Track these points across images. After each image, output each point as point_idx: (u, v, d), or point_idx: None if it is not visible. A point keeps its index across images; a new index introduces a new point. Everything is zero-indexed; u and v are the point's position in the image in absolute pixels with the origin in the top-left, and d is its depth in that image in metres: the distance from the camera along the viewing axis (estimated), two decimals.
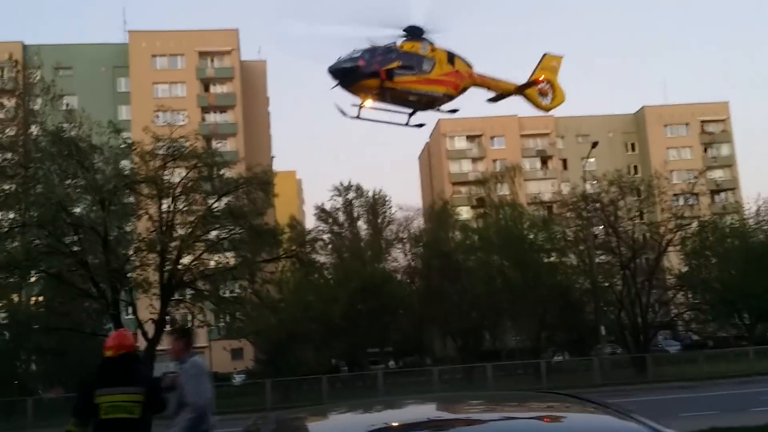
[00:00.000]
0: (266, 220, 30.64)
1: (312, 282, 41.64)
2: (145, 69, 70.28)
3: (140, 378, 6.64)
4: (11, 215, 22.60)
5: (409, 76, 20.45)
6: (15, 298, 30.58)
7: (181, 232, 22.37)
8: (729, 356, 37.59)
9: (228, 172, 67.94)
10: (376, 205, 70.35)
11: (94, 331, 25.59)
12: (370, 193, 70.41)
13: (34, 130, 33.34)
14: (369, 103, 20.56)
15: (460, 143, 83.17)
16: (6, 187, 22.68)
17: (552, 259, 39.55)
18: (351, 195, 71.21)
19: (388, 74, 19.89)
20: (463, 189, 78.19)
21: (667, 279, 39.24)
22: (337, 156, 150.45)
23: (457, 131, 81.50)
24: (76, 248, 21.73)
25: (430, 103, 21.65)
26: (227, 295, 26.37)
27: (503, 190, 64.06)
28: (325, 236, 70.32)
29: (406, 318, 50.76)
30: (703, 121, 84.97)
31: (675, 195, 41.33)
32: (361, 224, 70.93)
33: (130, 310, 25.67)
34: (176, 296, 24.00)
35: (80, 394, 6.71)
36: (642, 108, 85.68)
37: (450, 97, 22.01)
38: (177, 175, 23.36)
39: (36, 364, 40.19)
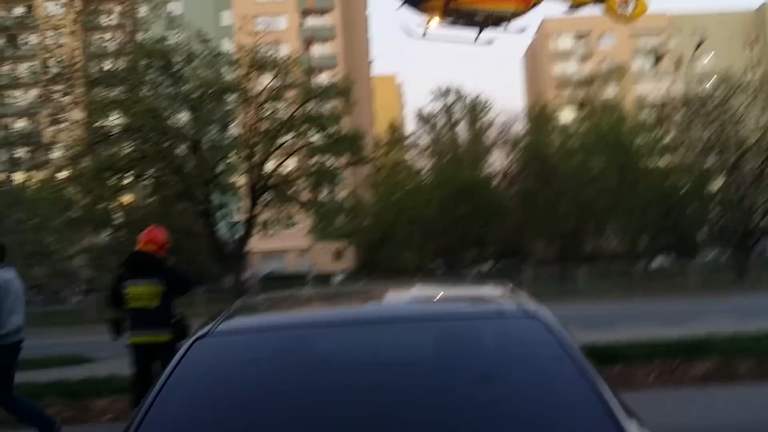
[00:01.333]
0: (352, 126, 30.83)
1: (406, 185, 42.11)
2: None
3: (159, 270, 7.04)
4: (111, 121, 23.84)
5: None
6: (127, 199, 32.61)
7: (264, 137, 23.01)
8: None
9: (325, 76, 68.59)
10: (476, 109, 69.38)
11: (192, 232, 27.02)
12: (470, 97, 69.45)
13: (139, 37, 34.62)
14: (435, 22, 19.96)
15: (566, 43, 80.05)
16: (111, 94, 23.83)
17: (650, 162, 38.20)
18: (450, 99, 70.40)
19: None
20: (567, 91, 75.78)
21: None
22: (439, 58, 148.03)
23: (563, 30, 78.37)
24: (167, 155, 22.81)
25: (498, 20, 20.70)
26: (310, 198, 27.11)
27: (612, 91, 61.76)
28: (424, 140, 71.18)
29: (504, 221, 50.73)
30: None
31: None
32: (461, 128, 70.38)
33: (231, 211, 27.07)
34: (264, 198, 24.92)
35: (112, 285, 7.34)
36: (764, 4, 79.42)
37: (520, 14, 20.98)
38: (262, 82, 23.85)
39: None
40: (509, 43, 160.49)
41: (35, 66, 32.24)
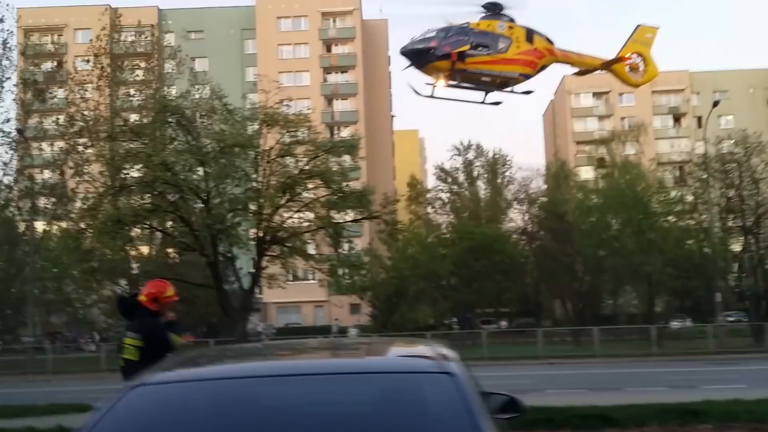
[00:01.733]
0: (373, 179, 31.15)
1: (422, 240, 42.26)
2: (271, 31, 72.43)
3: (141, 324, 7.09)
4: (125, 174, 24.49)
5: (482, 56, 20.01)
6: (144, 250, 33.10)
7: (273, 192, 23.52)
8: None
9: (346, 131, 69.35)
10: (496, 165, 69.61)
11: (203, 283, 27.40)
12: (491, 153, 69.83)
13: (162, 92, 35.56)
14: (442, 83, 20.36)
15: (586, 100, 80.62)
16: (128, 147, 24.50)
17: (671, 221, 38.05)
18: (471, 154, 70.77)
19: (459, 55, 19.58)
20: (588, 148, 76.06)
21: None
22: (461, 115, 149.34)
23: (583, 88, 78.94)
24: (178, 207, 23.37)
25: (505, 82, 21.03)
26: (317, 252, 27.43)
27: (630, 149, 61.88)
28: (444, 195, 71.48)
29: (522, 279, 50.54)
30: None
31: None
32: (480, 184, 70.60)
33: (240, 264, 27.40)
34: (271, 252, 25.30)
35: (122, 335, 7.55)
36: None
37: (527, 76, 21.24)
38: (274, 137, 24.47)
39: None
40: (531, 100, 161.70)
41: (61, 119, 33.16)
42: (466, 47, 19.69)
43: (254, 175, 24.54)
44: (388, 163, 78.41)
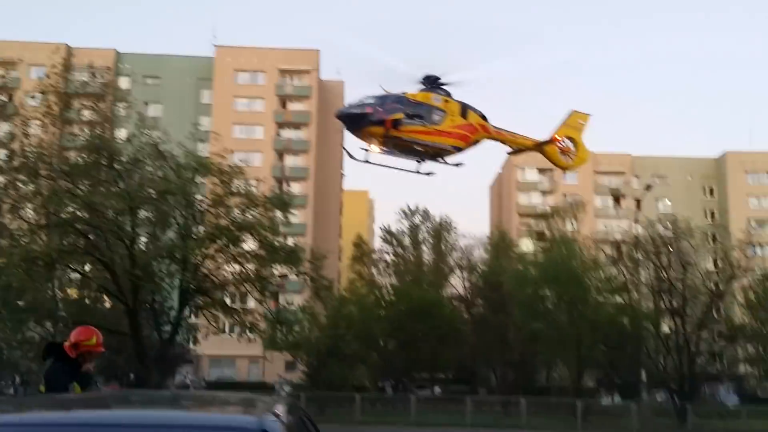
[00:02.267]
0: (319, 237, 31.12)
1: (360, 300, 42.23)
2: (228, 83, 72.91)
3: (48, 369, 7.03)
4: (54, 213, 24.15)
5: (416, 126, 20.33)
6: (73, 292, 32.30)
7: (200, 241, 23.46)
8: None
9: (296, 187, 69.38)
10: (441, 231, 70.43)
11: (118, 330, 26.62)
12: (437, 218, 70.71)
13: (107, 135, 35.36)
14: (376, 148, 20.75)
15: (532, 175, 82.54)
16: (60, 185, 24.18)
17: (600, 299, 38.93)
18: (417, 218, 71.57)
19: (394, 123, 19.85)
20: (530, 221, 77.58)
21: (719, 330, 38.02)
22: (413, 179, 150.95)
23: (529, 163, 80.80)
24: (100, 249, 23.05)
25: (437, 153, 21.49)
26: (240, 305, 27.29)
27: (570, 225, 63.29)
28: (389, 257, 71.81)
29: (458, 346, 50.67)
30: None
31: (747, 244, 40.01)
32: (425, 248, 71.22)
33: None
34: (194, 302, 25.07)
35: None
36: (725, 153, 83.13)
37: (459, 149, 21.61)
38: (207, 187, 24.50)
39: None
40: (480, 171, 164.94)
41: (1, 153, 32.66)
42: (400, 115, 20.06)
43: (182, 224, 24.41)
44: (335, 221, 78.69)
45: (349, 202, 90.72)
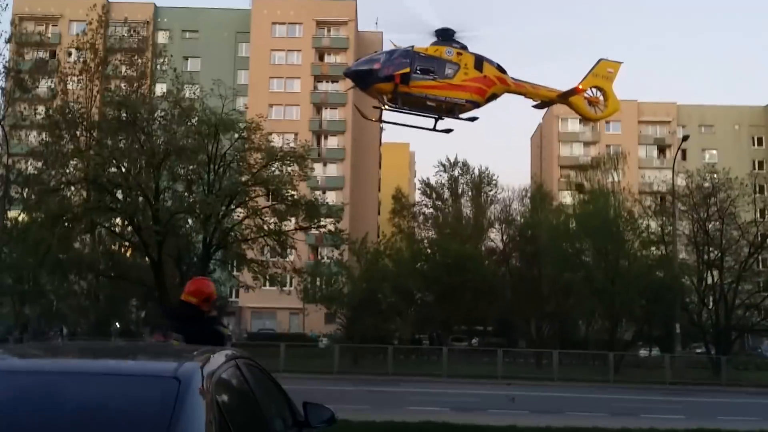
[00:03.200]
0: (357, 190, 31.28)
1: (394, 253, 42.44)
2: (265, 36, 72.77)
3: (184, 326, 6.50)
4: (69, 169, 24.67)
5: (427, 81, 19.77)
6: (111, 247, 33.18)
7: (222, 197, 23.72)
8: None
9: (334, 140, 69.43)
10: (481, 183, 70.00)
11: (146, 283, 27.35)
12: (476, 171, 70.20)
13: (148, 89, 35.78)
14: (388, 105, 20.35)
15: (574, 126, 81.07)
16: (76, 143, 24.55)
17: (638, 251, 38.45)
18: (457, 171, 71.16)
19: (402, 78, 19.31)
20: (572, 173, 76.51)
21: (758, 281, 37.34)
22: (455, 131, 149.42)
23: (571, 113, 79.04)
24: (124, 205, 23.54)
25: (451, 108, 20.87)
26: (271, 259, 27.67)
27: (612, 176, 62.27)
28: (428, 210, 71.82)
29: (495, 299, 50.70)
30: None
31: None
32: (464, 201, 70.93)
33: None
34: (217, 257, 25.51)
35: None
36: None
37: (475, 104, 20.72)
38: (224, 144, 24.69)
39: (137, 310, 43.29)
40: (522, 122, 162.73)
41: (41, 110, 33.32)
42: (407, 69, 19.50)
43: (204, 179, 24.73)
44: (374, 174, 78.73)
45: (389, 155, 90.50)
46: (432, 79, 19.93)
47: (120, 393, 2.94)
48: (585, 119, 25.00)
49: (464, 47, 20.81)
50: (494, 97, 21.44)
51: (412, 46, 20.46)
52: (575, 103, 22.55)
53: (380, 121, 22.73)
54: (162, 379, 2.97)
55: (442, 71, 20.08)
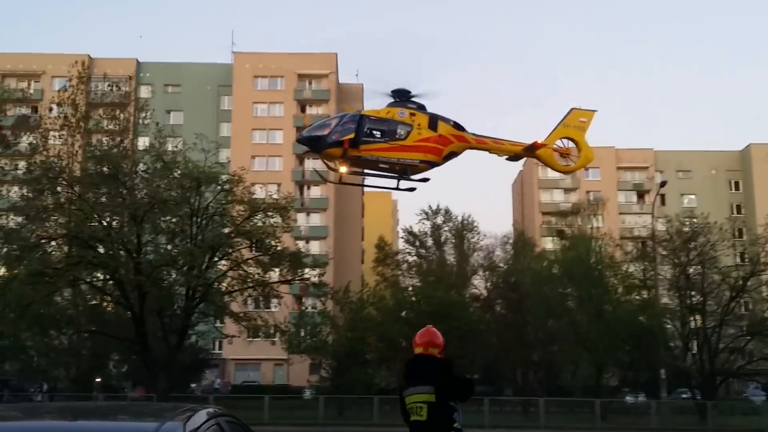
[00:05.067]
0: (340, 239, 31.38)
1: (377, 302, 42.33)
2: (247, 89, 73.55)
3: (433, 375, 6.20)
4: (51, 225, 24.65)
5: (377, 144, 19.64)
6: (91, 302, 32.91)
7: (205, 249, 23.74)
8: None
9: (315, 190, 69.52)
10: (464, 230, 70.32)
11: (127, 338, 27.22)
12: (459, 218, 70.56)
13: (131, 143, 35.90)
14: (344, 169, 20.29)
15: (554, 173, 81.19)
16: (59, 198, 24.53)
17: (621, 296, 38.62)
18: (439, 219, 71.47)
19: (352, 143, 19.25)
20: (553, 219, 77.15)
21: (741, 325, 37.55)
22: (436, 180, 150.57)
23: None
24: (106, 260, 23.50)
25: (405, 170, 20.21)
26: (245, 311, 27.57)
27: (592, 222, 62.83)
28: (411, 258, 71.86)
29: (481, 346, 50.51)
30: None
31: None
32: (447, 249, 71.13)
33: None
34: (199, 309, 25.44)
35: (400, 399, 6.56)
36: (749, 145, 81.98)
37: (431, 163, 20.49)
38: (207, 197, 24.78)
39: (116, 366, 42.71)
40: (503, 170, 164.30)
41: (21, 165, 33.32)
42: (352, 135, 19.26)
43: (187, 232, 24.77)
44: (357, 223, 78.96)
45: (372, 204, 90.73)
46: (384, 142, 19.69)
47: None
48: (556, 171, 24.37)
49: (421, 107, 20.58)
50: (453, 155, 20.94)
51: (360, 110, 20.54)
52: (543, 157, 21.93)
53: (341, 182, 22.73)
54: None
55: (393, 133, 19.83)
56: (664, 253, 38.57)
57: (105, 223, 22.80)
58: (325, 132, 19.65)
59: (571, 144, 21.82)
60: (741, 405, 42.68)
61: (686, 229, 37.82)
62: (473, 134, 21.32)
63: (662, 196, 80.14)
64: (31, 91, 65.25)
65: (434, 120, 20.55)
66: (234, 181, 25.23)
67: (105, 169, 24.79)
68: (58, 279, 24.22)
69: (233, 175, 26.00)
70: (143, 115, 37.67)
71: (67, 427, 3.40)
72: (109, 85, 40.77)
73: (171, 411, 3.81)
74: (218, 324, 36.37)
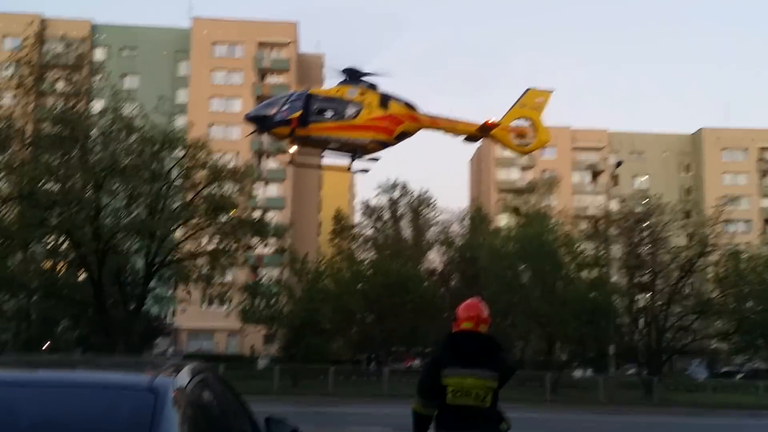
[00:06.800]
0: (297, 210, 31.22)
1: (335, 274, 42.50)
2: (205, 55, 72.34)
3: (497, 359, 5.69)
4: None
5: (326, 123, 19.33)
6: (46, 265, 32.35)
7: (168, 215, 23.54)
8: (747, 387, 36.97)
9: (272, 161, 69.17)
10: (420, 206, 70.87)
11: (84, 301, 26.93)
12: (416, 193, 70.98)
13: (85, 106, 35.17)
14: (293, 148, 20.07)
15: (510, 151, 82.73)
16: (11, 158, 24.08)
17: (573, 274, 39.39)
18: (396, 193, 71.87)
19: (300, 121, 18.93)
20: (509, 196, 78.05)
21: (688, 305, 38.64)
22: (396, 153, 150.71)
23: None
24: (63, 222, 23.14)
25: (356, 149, 19.89)
26: (207, 276, 27.46)
27: (547, 200, 63.80)
28: (368, 232, 72.19)
29: (435, 320, 51.08)
30: (762, 148, 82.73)
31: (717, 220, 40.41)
32: (404, 223, 71.62)
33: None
34: (160, 275, 25.25)
35: (426, 370, 5.86)
36: (700, 129, 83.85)
37: (383, 144, 20.25)
38: (171, 160, 24.54)
39: (66, 331, 42.12)
40: (460, 145, 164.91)
41: None
42: (299, 113, 18.91)
43: (151, 198, 24.46)
44: (314, 195, 78.72)
45: (330, 176, 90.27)
46: (332, 121, 19.39)
47: (95, 404, 2.95)
48: (513, 151, 23.99)
49: (373, 86, 20.26)
50: (406, 135, 20.61)
51: (309, 88, 20.30)
52: (498, 137, 21.66)
53: (294, 163, 22.44)
54: (138, 392, 3.00)
55: (342, 112, 19.54)
56: (617, 232, 39.48)
57: (59, 186, 22.37)
58: (273, 111, 19.27)
59: (527, 123, 21.78)
60: (685, 381, 44.07)
61: (639, 209, 38.67)
62: (427, 114, 21.03)
63: (615, 177, 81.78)
64: None
65: (386, 99, 20.25)
66: (198, 147, 24.94)
67: (62, 130, 24.23)
68: (10, 240, 23.69)
69: (197, 141, 25.66)
70: (98, 77, 36.91)
71: (63, 377, 3.37)
72: (65, 46, 39.71)
73: (157, 366, 3.79)
74: (172, 293, 36.06)
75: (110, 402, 2.96)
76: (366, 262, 58.05)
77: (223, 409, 3.85)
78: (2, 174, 26.50)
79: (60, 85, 34.78)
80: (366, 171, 21.18)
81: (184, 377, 3.37)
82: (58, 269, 30.80)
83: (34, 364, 4.19)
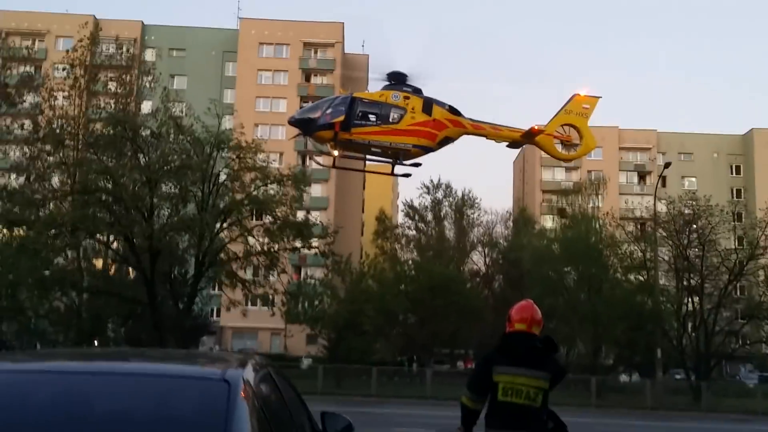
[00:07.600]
0: (340, 211, 31.56)
1: (378, 274, 42.57)
2: (252, 56, 73.11)
3: (549, 360, 5.83)
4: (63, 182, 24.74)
5: (369, 127, 19.27)
6: (97, 263, 33.06)
7: (217, 215, 23.85)
8: None
9: (319, 161, 69.57)
10: (464, 206, 70.45)
11: (135, 299, 27.46)
12: (459, 193, 70.61)
13: (135, 106, 35.89)
14: (336, 152, 20.00)
15: None
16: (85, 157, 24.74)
17: (620, 276, 38.87)
18: (440, 193, 71.55)
19: (343, 125, 18.89)
20: (554, 198, 77.23)
21: (737, 309, 37.87)
22: (438, 154, 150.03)
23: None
24: (119, 220, 23.63)
25: (397, 154, 19.77)
26: (257, 278, 27.77)
27: (592, 202, 62.96)
28: (411, 232, 72.11)
29: (478, 322, 50.89)
30: None
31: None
32: (447, 224, 71.30)
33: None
34: (208, 274, 25.60)
35: (478, 368, 6.06)
36: (751, 130, 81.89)
37: (425, 149, 20.07)
38: (221, 161, 24.88)
39: (115, 329, 42.89)
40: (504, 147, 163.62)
41: (26, 124, 33.27)
42: (342, 117, 18.90)
43: (200, 197, 24.84)
44: (358, 195, 78.96)
45: (373, 176, 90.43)
46: (376, 125, 19.35)
47: (173, 393, 3.08)
48: (557, 159, 23.57)
49: (417, 90, 20.18)
50: (449, 140, 20.45)
51: (351, 93, 20.31)
52: (542, 143, 21.35)
53: (334, 166, 22.47)
54: (213, 382, 3.15)
55: (386, 116, 19.49)
56: (665, 234, 38.79)
57: (114, 185, 22.90)
58: (317, 114, 19.30)
59: (571, 131, 21.39)
60: (734, 387, 43.13)
61: (688, 211, 37.97)
62: (470, 119, 20.85)
63: (663, 178, 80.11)
64: (35, 49, 64.76)
65: (429, 104, 20.13)
66: (250, 149, 25.26)
67: (120, 131, 24.77)
68: (67, 236, 24.29)
69: (251, 143, 25.99)
70: (149, 78, 37.56)
71: (138, 368, 3.50)
72: (117, 47, 40.55)
73: (223, 359, 3.91)
74: (217, 290, 36.44)
75: (187, 391, 3.10)
76: (409, 263, 58.13)
77: (283, 401, 3.97)
78: (57, 172, 27.18)
79: (113, 86, 35.50)
80: (408, 175, 21.19)
81: (251, 370, 3.49)
82: (108, 267, 31.48)
83: (111, 356, 4.32)
